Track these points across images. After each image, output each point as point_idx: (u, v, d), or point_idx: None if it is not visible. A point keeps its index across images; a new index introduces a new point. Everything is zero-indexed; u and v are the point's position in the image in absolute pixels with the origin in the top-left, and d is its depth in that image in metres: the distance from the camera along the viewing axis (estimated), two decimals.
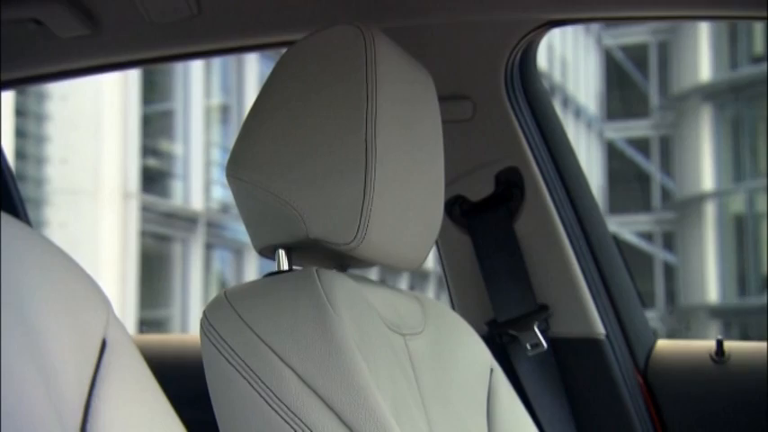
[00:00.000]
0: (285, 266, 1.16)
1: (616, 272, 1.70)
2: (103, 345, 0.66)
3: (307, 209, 1.09)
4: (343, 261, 1.22)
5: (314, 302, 1.06)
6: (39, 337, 0.60)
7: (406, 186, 1.16)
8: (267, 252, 1.18)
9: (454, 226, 1.68)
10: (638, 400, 1.63)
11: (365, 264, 1.24)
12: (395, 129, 1.13)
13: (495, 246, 1.65)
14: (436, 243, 1.69)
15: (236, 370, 1.04)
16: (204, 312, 1.09)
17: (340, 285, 1.10)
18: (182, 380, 1.39)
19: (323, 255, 1.17)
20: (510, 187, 1.65)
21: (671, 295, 17.89)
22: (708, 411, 1.63)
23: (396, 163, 1.13)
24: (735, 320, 16.25)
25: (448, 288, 1.73)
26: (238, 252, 11.58)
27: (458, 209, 1.68)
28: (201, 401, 1.10)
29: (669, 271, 18.44)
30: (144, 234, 10.06)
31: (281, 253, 1.16)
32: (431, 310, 1.30)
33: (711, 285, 16.34)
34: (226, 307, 1.08)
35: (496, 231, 1.65)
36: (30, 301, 0.61)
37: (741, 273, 16.36)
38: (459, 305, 1.71)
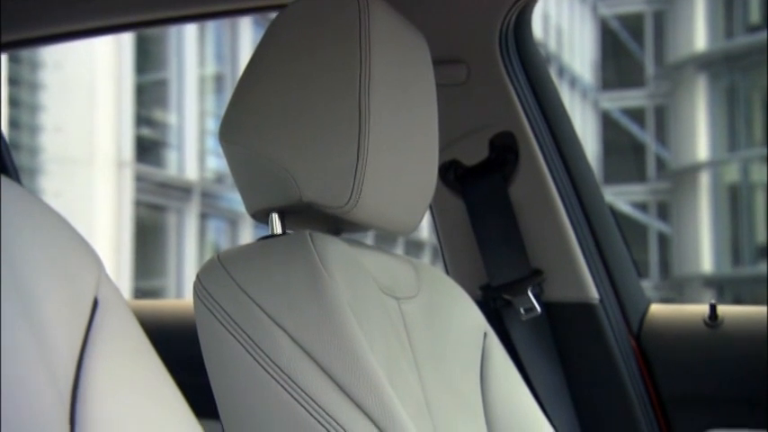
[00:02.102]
0: (278, 230, 1.15)
1: (610, 236, 1.70)
2: (95, 304, 0.66)
3: (300, 172, 1.09)
4: (336, 225, 1.22)
5: (307, 265, 1.06)
6: (30, 296, 0.60)
7: (400, 150, 1.15)
8: (260, 216, 1.18)
9: (448, 191, 1.68)
10: (632, 364, 1.64)
11: (359, 228, 1.24)
12: (389, 92, 1.12)
13: (490, 210, 1.64)
14: (430, 208, 1.68)
15: (230, 332, 1.04)
16: (198, 275, 1.09)
17: (333, 248, 1.10)
18: (177, 344, 1.39)
19: (316, 219, 1.17)
20: (504, 152, 1.64)
21: (665, 265, 17.94)
22: (701, 375, 1.63)
23: (389, 126, 1.12)
24: (728, 290, 16.30)
25: (442, 253, 1.73)
26: (233, 222, 11.58)
27: (452, 173, 1.67)
28: (196, 366, 1.10)
29: (663, 241, 18.47)
30: (138, 204, 10.04)
31: (275, 217, 1.15)
32: (425, 274, 1.30)
33: (705, 255, 16.38)
34: (219, 270, 1.07)
35: (491, 196, 1.64)
36: (21, 261, 0.61)
37: (735, 242, 16.39)
38: (453, 270, 1.71)
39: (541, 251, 1.64)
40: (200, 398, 1.04)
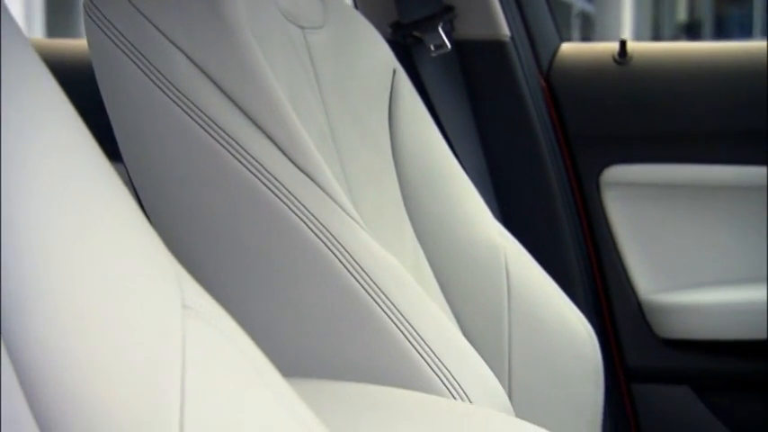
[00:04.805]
0: None
1: None
2: None
3: None
4: None
5: None
6: None
7: None
8: None
9: None
10: (540, 103, 1.64)
11: None
12: None
13: None
14: None
15: (124, 53, 1.00)
16: None
17: None
18: (84, 84, 1.34)
19: None
20: None
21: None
22: (607, 112, 1.65)
23: None
24: None
25: None
26: None
27: None
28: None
29: (586, 20, 18.47)
30: None
31: None
32: (332, 6, 1.26)
33: (626, 32, 16.46)
34: None
35: None
36: None
37: (656, 20, 16.48)
38: (363, 6, 1.65)
39: None
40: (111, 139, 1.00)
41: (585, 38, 18.07)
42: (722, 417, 1.63)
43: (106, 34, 1.01)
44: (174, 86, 0.98)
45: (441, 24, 1.58)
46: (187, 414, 0.48)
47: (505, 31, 1.61)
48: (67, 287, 0.48)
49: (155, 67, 0.99)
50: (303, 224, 0.96)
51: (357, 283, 0.95)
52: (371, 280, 0.96)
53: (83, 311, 0.47)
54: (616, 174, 1.64)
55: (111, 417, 0.47)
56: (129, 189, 0.71)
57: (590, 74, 1.65)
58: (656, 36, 16.55)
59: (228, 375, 0.51)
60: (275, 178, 0.97)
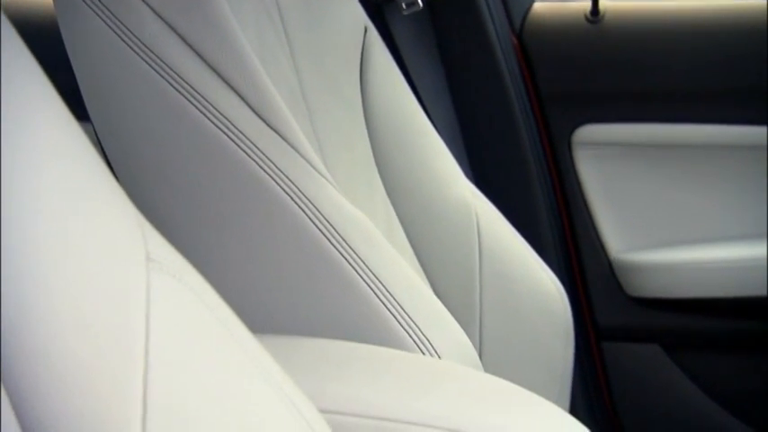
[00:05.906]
0: None
1: None
2: None
3: None
4: None
5: None
6: None
7: None
8: None
9: None
10: (512, 62, 1.64)
11: None
12: None
13: None
14: None
15: (91, 8, 0.98)
16: None
17: None
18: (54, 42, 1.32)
19: None
20: None
21: None
22: (579, 71, 1.65)
23: None
24: None
25: None
26: None
27: None
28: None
29: None
30: None
31: None
32: None
33: None
34: None
35: None
36: None
37: None
38: None
39: None
40: (78, 98, 0.99)
41: None
42: (691, 374, 1.64)
43: None
44: (142, 43, 0.97)
45: None
46: (152, 368, 0.47)
47: None
48: (28, 240, 0.47)
49: (123, 24, 0.97)
50: (273, 181, 0.96)
51: (327, 241, 0.95)
52: (341, 237, 0.96)
53: (44, 262, 0.46)
54: (588, 133, 1.64)
55: (80, 370, 0.46)
56: (97, 149, 0.70)
57: (562, 32, 1.65)
58: None
59: (194, 329, 0.51)
60: (245, 135, 0.96)
